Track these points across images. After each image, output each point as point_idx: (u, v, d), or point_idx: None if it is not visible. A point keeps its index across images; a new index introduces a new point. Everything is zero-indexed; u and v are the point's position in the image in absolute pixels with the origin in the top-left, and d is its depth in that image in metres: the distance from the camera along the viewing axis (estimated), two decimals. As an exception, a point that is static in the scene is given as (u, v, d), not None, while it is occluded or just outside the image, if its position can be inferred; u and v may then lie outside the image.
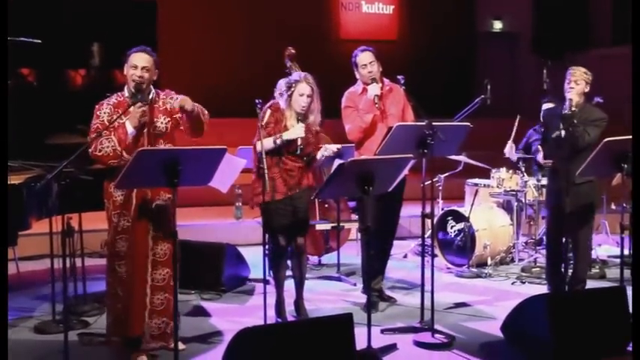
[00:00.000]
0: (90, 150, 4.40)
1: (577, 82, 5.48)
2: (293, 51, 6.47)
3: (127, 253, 4.50)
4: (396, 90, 5.75)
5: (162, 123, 4.54)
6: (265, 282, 5.17)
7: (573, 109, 5.37)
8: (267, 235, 5.09)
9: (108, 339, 4.68)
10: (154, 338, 4.61)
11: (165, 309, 4.60)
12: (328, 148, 5.15)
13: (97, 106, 4.52)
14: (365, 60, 5.65)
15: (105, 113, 4.47)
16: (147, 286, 4.54)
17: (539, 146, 5.76)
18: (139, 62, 4.47)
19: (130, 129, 4.39)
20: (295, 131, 5.03)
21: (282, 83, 5.15)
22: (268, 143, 4.98)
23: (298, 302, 5.42)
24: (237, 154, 6.16)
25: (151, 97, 4.53)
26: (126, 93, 4.53)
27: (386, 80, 5.78)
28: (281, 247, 5.23)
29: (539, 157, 5.71)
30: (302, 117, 5.10)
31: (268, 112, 5.08)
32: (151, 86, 4.57)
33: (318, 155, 5.16)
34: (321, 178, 6.26)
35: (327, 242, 7.08)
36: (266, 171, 4.82)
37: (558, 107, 5.65)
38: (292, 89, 5.07)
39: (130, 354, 4.59)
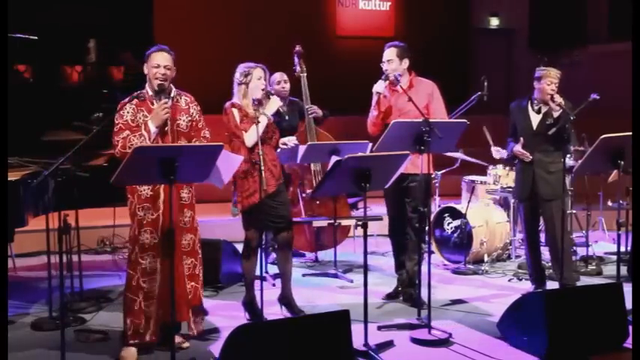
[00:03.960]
0: (117, 148, 4.45)
1: (557, 85, 5.65)
2: (301, 49, 6.53)
3: (154, 244, 4.52)
4: (419, 86, 5.69)
5: (183, 121, 4.61)
6: (262, 278, 5.18)
7: (562, 109, 5.53)
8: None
9: (126, 336, 4.64)
10: (192, 325, 4.75)
11: (194, 297, 4.70)
12: (291, 140, 5.30)
13: (119, 106, 4.55)
14: (384, 56, 5.67)
15: (128, 112, 4.51)
16: (184, 277, 4.64)
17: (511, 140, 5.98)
18: (161, 61, 4.55)
19: (152, 128, 4.44)
20: (273, 103, 5.17)
21: (238, 73, 5.22)
22: (258, 130, 4.98)
23: (289, 298, 5.42)
24: (234, 150, 6.15)
25: (173, 94, 4.60)
26: (149, 91, 4.59)
27: (415, 77, 5.71)
28: (257, 244, 5.33)
29: (517, 147, 5.82)
30: (258, 102, 5.11)
31: (234, 110, 5.14)
32: (172, 85, 4.63)
33: (281, 142, 5.28)
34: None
35: (319, 239, 7.08)
36: (262, 166, 4.88)
37: (524, 101, 5.88)
38: (250, 76, 5.16)
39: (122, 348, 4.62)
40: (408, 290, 5.80)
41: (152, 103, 4.53)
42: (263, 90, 5.16)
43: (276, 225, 5.31)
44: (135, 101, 4.54)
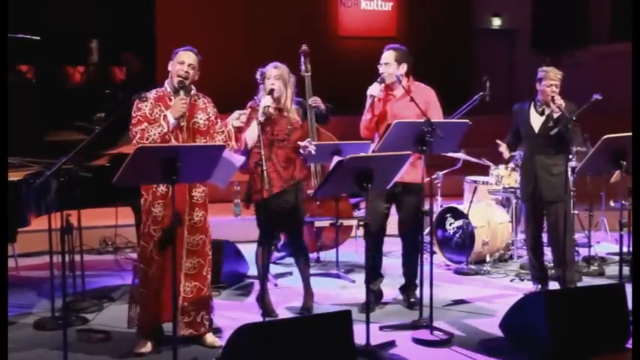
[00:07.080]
0: (135, 140, 4.51)
1: (557, 86, 5.63)
2: (307, 48, 6.51)
3: (162, 239, 4.58)
4: (417, 92, 5.49)
5: (201, 119, 4.68)
6: (263, 279, 5.17)
7: (561, 112, 5.52)
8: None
9: (133, 326, 4.76)
10: (185, 325, 4.73)
11: (196, 297, 4.69)
12: (312, 143, 5.23)
13: (137, 100, 4.60)
14: (382, 58, 5.53)
15: (146, 106, 4.58)
16: (180, 275, 4.63)
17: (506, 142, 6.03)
18: (186, 59, 4.66)
19: (171, 119, 4.51)
20: (263, 102, 5.08)
21: (258, 73, 5.29)
22: (253, 129, 5.05)
23: (309, 307, 5.47)
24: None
25: (192, 93, 4.68)
26: (167, 88, 4.67)
27: (413, 82, 5.59)
28: (270, 242, 5.36)
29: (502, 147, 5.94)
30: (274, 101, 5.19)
31: (248, 110, 5.15)
32: (192, 85, 4.70)
33: (302, 143, 5.23)
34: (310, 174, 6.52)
35: (319, 239, 7.07)
36: (264, 167, 4.87)
37: (526, 103, 5.87)
38: (264, 76, 5.21)
39: (138, 342, 4.69)
40: (406, 292, 5.78)
41: (170, 100, 4.61)
42: (271, 87, 5.17)
43: (279, 225, 5.36)
44: (153, 96, 4.61)
